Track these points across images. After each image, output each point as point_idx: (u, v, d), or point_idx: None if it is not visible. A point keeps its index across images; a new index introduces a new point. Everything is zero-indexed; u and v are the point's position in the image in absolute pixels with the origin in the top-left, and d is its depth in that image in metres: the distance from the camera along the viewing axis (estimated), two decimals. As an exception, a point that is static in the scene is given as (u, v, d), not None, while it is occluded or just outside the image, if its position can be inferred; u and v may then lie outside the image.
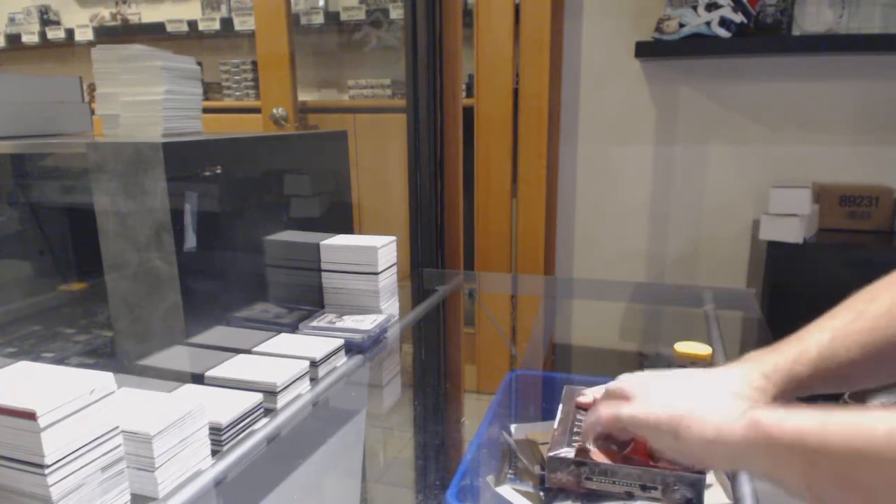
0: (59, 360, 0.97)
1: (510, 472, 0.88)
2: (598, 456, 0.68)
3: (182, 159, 0.83)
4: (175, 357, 0.84)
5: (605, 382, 0.80)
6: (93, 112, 1.16)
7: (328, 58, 2.98)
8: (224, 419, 0.75)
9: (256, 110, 2.66)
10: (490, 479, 0.85)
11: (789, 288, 1.85)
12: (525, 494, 0.82)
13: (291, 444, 0.84)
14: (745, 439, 0.51)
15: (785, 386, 0.60)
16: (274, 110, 2.57)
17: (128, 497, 0.63)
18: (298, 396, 0.90)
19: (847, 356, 0.59)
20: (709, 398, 0.58)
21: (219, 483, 0.71)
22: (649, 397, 0.61)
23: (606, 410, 0.64)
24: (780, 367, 0.60)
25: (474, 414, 1.25)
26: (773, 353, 0.62)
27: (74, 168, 1.03)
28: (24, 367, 0.61)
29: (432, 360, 1.41)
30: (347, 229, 1.26)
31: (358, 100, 2.78)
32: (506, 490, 0.83)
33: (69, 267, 1.18)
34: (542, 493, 0.82)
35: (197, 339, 0.86)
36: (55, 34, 3.22)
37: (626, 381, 0.66)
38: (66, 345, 1.02)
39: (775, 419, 0.49)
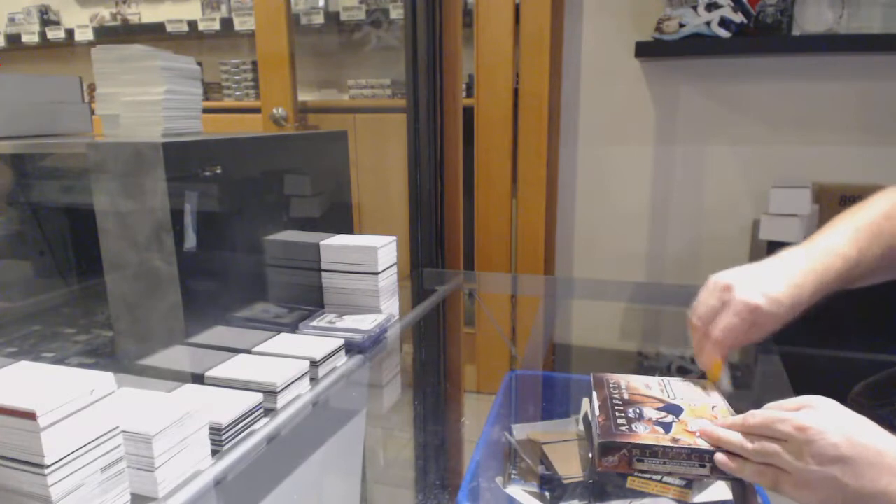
0: (59, 360, 0.97)
1: (513, 472, 0.88)
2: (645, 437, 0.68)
3: (182, 159, 0.83)
4: (175, 357, 0.84)
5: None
6: (93, 112, 1.16)
7: (328, 58, 2.98)
8: (224, 419, 0.75)
9: (256, 110, 2.66)
10: (499, 479, 0.85)
11: (789, 288, 1.84)
12: (532, 495, 0.82)
13: (291, 444, 0.84)
14: None
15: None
16: (274, 110, 2.57)
17: (128, 497, 0.63)
18: (298, 396, 0.90)
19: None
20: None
21: (219, 483, 0.71)
22: (812, 473, 0.55)
23: (759, 474, 0.59)
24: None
25: (474, 414, 1.25)
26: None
27: (74, 168, 1.03)
28: (24, 367, 0.61)
29: (432, 360, 1.41)
30: (347, 229, 1.26)
31: (358, 100, 2.78)
32: (514, 490, 0.83)
33: (69, 267, 1.18)
34: (547, 493, 0.82)
35: (197, 339, 0.86)
36: (55, 34, 3.22)
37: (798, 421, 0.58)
38: (66, 345, 1.02)
39: None
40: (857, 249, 0.73)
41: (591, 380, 0.83)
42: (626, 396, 0.77)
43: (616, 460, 0.68)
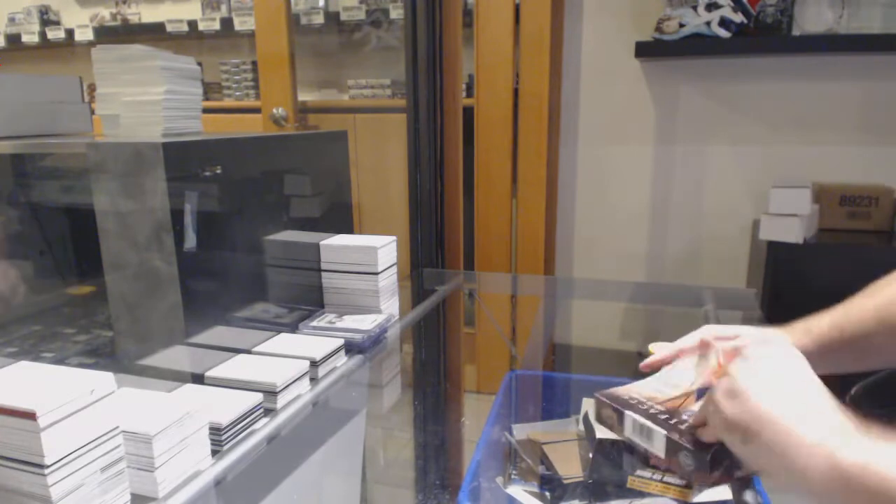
0: (59, 360, 0.97)
1: (513, 472, 0.88)
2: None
3: (182, 159, 0.83)
4: (175, 357, 0.84)
5: (605, 381, 0.80)
6: (93, 112, 1.16)
7: (328, 58, 2.98)
8: (224, 419, 0.75)
9: (256, 110, 2.66)
10: (499, 479, 0.85)
11: (789, 288, 1.85)
12: (533, 495, 0.82)
13: (291, 444, 0.84)
14: (821, 478, 0.49)
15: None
16: (274, 110, 2.57)
17: (128, 497, 0.63)
18: (298, 396, 0.90)
19: (860, 329, 0.68)
20: (790, 406, 0.55)
21: (219, 483, 0.71)
22: (739, 400, 0.57)
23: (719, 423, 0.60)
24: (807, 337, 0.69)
25: (474, 414, 1.25)
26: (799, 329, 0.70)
27: (74, 168, 1.03)
28: (24, 367, 0.61)
29: (432, 360, 1.41)
30: (347, 229, 1.26)
31: (358, 100, 2.78)
32: (515, 490, 0.83)
33: (69, 267, 1.18)
34: (547, 493, 0.82)
35: (197, 339, 0.86)
36: (55, 34, 3.22)
37: (733, 373, 0.60)
38: (66, 345, 1.02)
39: (859, 463, 0.47)
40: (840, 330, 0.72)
41: (602, 400, 0.77)
42: (658, 407, 0.72)
43: (720, 473, 0.64)
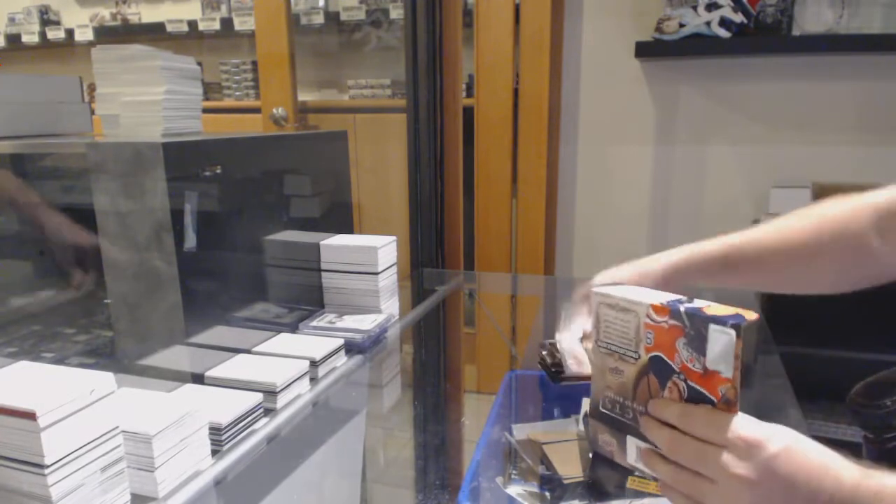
0: (59, 360, 0.97)
1: (514, 472, 0.88)
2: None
3: (182, 159, 0.83)
4: (175, 357, 0.84)
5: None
6: (93, 112, 1.16)
7: (328, 58, 2.98)
8: (224, 419, 0.75)
9: (256, 110, 2.66)
10: (499, 479, 0.85)
11: (789, 288, 1.84)
12: (533, 495, 0.82)
13: (291, 444, 0.84)
14: None
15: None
16: (274, 110, 2.57)
17: (128, 497, 0.63)
18: (298, 396, 0.90)
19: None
20: None
21: (219, 483, 0.71)
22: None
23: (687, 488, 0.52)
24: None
25: (474, 414, 1.25)
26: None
27: (74, 168, 1.03)
28: (24, 367, 0.61)
29: (432, 360, 1.41)
30: (347, 229, 1.26)
31: (358, 100, 2.78)
32: (515, 490, 0.83)
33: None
34: (547, 493, 0.82)
35: (197, 339, 0.86)
36: (55, 34, 3.22)
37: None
38: (66, 345, 1.02)
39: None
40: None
41: (598, 423, 0.65)
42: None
43: None
